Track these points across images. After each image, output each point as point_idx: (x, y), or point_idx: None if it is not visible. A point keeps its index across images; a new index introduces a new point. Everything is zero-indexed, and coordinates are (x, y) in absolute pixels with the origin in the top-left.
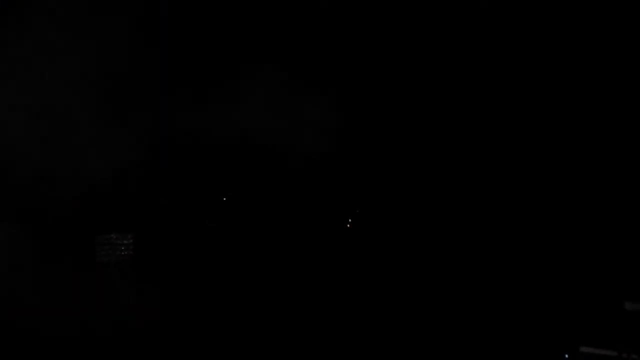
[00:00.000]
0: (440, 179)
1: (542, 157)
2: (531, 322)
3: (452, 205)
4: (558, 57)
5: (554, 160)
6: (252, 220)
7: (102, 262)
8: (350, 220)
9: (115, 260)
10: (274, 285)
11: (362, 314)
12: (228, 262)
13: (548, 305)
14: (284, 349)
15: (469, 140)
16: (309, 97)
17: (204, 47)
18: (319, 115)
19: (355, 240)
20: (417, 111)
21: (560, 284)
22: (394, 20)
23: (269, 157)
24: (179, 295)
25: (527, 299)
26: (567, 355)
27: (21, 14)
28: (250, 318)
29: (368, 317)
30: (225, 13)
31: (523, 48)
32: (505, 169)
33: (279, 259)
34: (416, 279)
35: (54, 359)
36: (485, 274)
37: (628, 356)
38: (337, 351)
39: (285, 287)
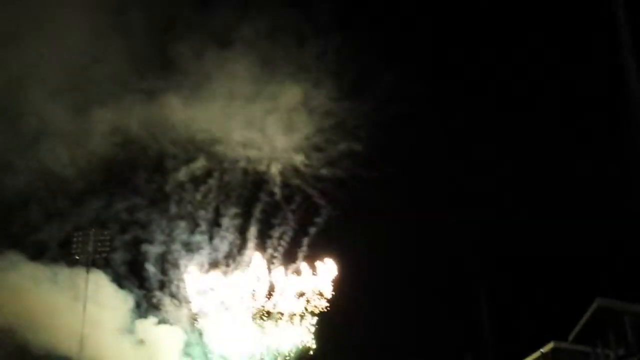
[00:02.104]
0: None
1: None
2: (506, 318)
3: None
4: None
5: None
6: None
7: (80, 258)
8: None
9: (93, 257)
10: None
11: None
12: None
13: (521, 302)
14: None
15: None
16: None
17: None
18: None
19: None
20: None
21: (533, 280)
22: None
23: None
24: None
25: (503, 295)
26: (541, 350)
27: None
28: None
29: None
30: None
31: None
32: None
33: None
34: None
35: None
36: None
37: (602, 351)
38: None
39: None
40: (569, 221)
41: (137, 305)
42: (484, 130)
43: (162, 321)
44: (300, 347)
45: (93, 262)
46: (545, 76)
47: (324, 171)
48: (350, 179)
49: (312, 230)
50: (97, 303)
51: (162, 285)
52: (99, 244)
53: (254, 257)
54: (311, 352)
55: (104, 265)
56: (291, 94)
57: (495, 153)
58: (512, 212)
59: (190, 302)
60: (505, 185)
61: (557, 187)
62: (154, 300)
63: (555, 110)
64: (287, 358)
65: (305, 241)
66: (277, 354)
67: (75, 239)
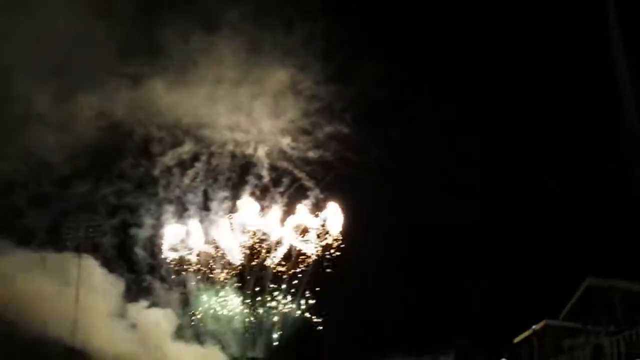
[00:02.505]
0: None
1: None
2: (497, 298)
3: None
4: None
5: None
6: None
7: (73, 246)
8: None
9: (87, 244)
10: None
11: None
12: None
13: (512, 281)
14: None
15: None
16: None
17: None
18: None
19: None
20: None
21: (524, 260)
22: None
23: None
24: None
25: (493, 276)
26: (534, 327)
27: None
28: None
29: None
30: None
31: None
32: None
33: None
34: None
35: None
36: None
37: (592, 328)
38: None
39: None
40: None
41: (128, 289)
42: (473, 120)
43: (152, 305)
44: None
45: (83, 248)
46: (545, 73)
47: (311, 154)
48: (337, 161)
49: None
50: (88, 288)
51: (152, 270)
52: (90, 230)
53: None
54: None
55: (93, 250)
56: (278, 78)
57: (483, 143)
58: (501, 202)
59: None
60: (493, 175)
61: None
62: (144, 284)
63: (551, 106)
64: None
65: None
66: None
67: (66, 225)
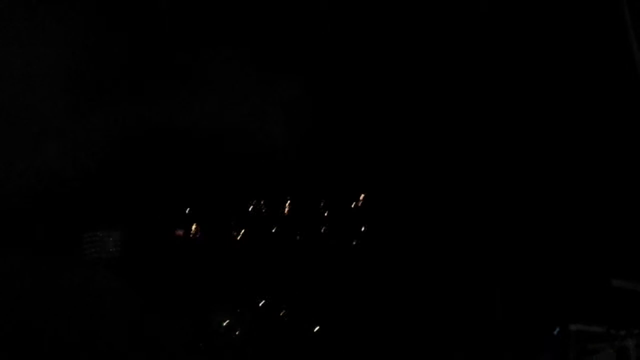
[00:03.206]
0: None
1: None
2: (521, 301)
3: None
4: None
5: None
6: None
7: (91, 260)
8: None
9: (104, 257)
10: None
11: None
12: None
13: (537, 284)
14: None
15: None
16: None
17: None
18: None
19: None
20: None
21: (548, 262)
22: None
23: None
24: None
25: (516, 278)
26: (557, 329)
27: None
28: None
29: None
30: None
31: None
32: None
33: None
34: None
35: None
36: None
37: (616, 332)
38: None
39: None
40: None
41: None
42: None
43: None
44: None
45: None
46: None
47: None
48: None
49: None
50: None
51: None
52: (110, 244)
53: None
54: None
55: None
56: None
57: None
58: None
59: None
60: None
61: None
62: None
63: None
64: None
65: None
66: None
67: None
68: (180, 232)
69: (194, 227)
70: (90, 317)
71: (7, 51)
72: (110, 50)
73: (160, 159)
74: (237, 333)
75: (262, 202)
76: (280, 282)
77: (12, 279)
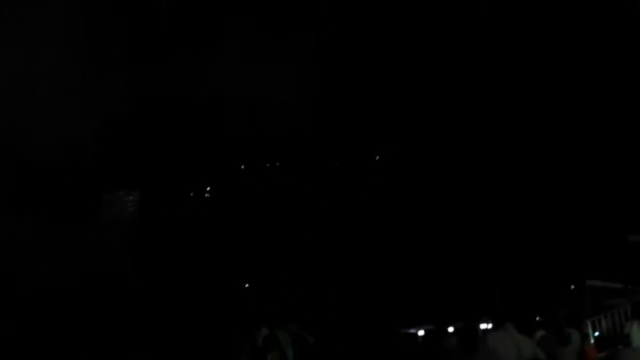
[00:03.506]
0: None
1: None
2: (537, 259)
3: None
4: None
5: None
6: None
7: (110, 219)
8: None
9: (123, 218)
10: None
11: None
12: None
13: (553, 242)
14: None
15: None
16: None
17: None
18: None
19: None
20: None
21: (564, 219)
22: None
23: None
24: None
25: (531, 235)
26: (572, 286)
27: None
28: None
29: None
30: None
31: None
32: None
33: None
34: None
35: (53, 319)
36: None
37: (633, 288)
38: None
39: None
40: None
41: None
42: None
43: None
44: None
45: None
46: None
47: None
48: None
49: None
50: None
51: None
52: (129, 204)
53: None
54: None
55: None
56: None
57: None
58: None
59: None
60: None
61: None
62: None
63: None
64: None
65: None
66: None
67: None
68: None
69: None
70: (107, 278)
71: (16, 19)
72: (122, 17)
73: (174, 122)
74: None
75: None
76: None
77: (30, 241)
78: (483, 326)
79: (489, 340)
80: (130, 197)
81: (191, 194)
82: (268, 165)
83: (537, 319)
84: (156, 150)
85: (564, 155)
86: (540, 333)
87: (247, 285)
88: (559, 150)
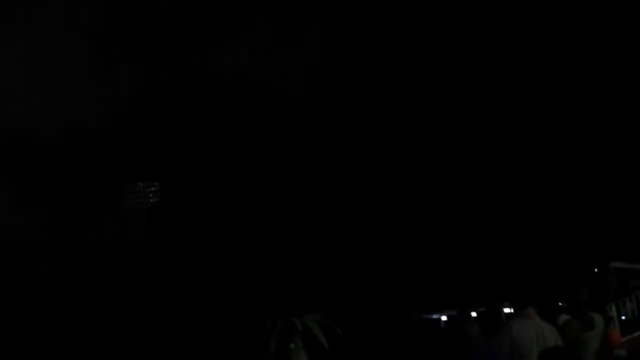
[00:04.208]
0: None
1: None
2: (559, 241)
3: None
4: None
5: None
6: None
7: (131, 210)
8: None
9: (144, 209)
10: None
11: None
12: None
13: (575, 222)
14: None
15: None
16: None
17: None
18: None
19: None
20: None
21: (586, 199)
22: None
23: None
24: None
25: (553, 217)
26: (596, 270)
27: None
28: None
29: None
30: None
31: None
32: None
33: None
34: None
35: (73, 309)
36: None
37: None
38: None
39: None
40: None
41: None
42: None
43: None
44: None
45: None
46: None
47: None
48: None
49: None
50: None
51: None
52: (151, 195)
53: None
54: None
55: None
56: None
57: None
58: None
59: None
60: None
61: None
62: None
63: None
64: None
65: None
66: None
67: (127, 191)
68: None
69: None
70: (128, 268)
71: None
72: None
73: (192, 110)
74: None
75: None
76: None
77: (51, 232)
78: (506, 310)
79: (510, 327)
80: (152, 188)
81: (210, 186)
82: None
83: (560, 304)
84: (175, 140)
85: (583, 137)
86: (563, 318)
87: (265, 275)
88: (576, 132)
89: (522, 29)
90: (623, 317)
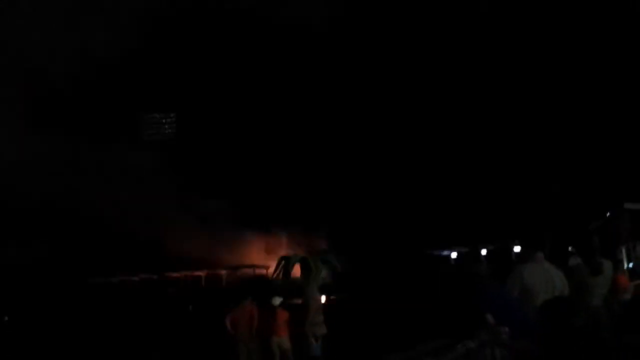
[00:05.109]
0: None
1: None
2: (570, 181)
3: None
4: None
5: None
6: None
7: (148, 140)
8: None
9: (161, 139)
10: None
11: None
12: None
13: (588, 163)
14: None
15: None
16: None
17: None
18: None
19: None
20: None
21: (598, 142)
22: None
23: None
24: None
25: (565, 157)
26: (608, 214)
27: None
28: None
29: None
30: None
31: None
32: None
33: None
34: None
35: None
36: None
37: None
38: None
39: None
40: None
41: None
42: None
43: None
44: None
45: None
46: None
47: None
48: None
49: None
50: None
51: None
52: (166, 126)
53: None
54: None
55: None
56: None
57: None
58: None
59: None
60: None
61: None
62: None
63: None
64: None
65: None
66: None
67: (143, 122)
68: None
69: None
70: (144, 196)
71: None
72: None
73: (204, 39)
74: None
75: None
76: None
77: (69, 162)
78: (515, 249)
79: (520, 270)
80: (168, 119)
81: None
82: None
83: (570, 248)
84: (192, 72)
85: (597, 80)
86: (572, 262)
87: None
88: (585, 91)
89: None
90: (631, 265)
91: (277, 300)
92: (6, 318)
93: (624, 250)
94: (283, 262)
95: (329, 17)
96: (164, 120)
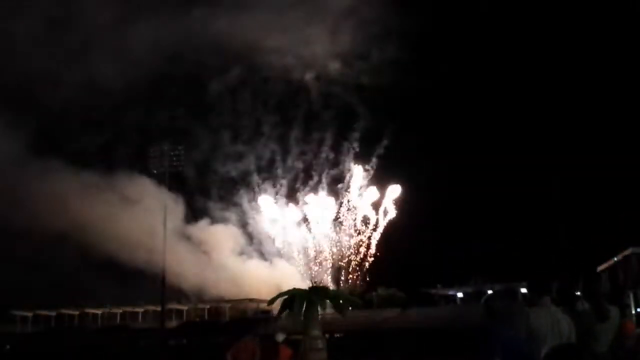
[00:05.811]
0: None
1: None
2: (578, 226)
3: None
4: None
5: None
6: None
7: (155, 172)
8: None
9: (169, 171)
10: None
11: None
12: None
13: (594, 208)
14: None
15: None
16: None
17: None
18: None
19: None
20: None
21: (608, 187)
22: None
23: None
24: None
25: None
26: (615, 258)
27: None
28: None
29: None
30: None
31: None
32: None
33: None
34: None
35: None
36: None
37: None
38: None
39: None
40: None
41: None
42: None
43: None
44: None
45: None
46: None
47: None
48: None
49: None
50: (149, 209)
51: (207, 192)
52: (174, 158)
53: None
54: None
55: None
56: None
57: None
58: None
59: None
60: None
61: None
62: (200, 205)
63: None
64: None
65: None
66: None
67: (151, 154)
68: None
69: None
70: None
71: None
72: None
73: (208, 72)
74: None
75: None
76: None
77: (77, 195)
78: (522, 290)
79: (527, 313)
80: (175, 152)
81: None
82: None
83: (577, 293)
84: (201, 105)
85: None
86: (579, 307)
87: None
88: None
89: None
90: (639, 309)
91: (281, 337)
92: None
93: (631, 296)
94: (286, 297)
95: None
96: (172, 153)
